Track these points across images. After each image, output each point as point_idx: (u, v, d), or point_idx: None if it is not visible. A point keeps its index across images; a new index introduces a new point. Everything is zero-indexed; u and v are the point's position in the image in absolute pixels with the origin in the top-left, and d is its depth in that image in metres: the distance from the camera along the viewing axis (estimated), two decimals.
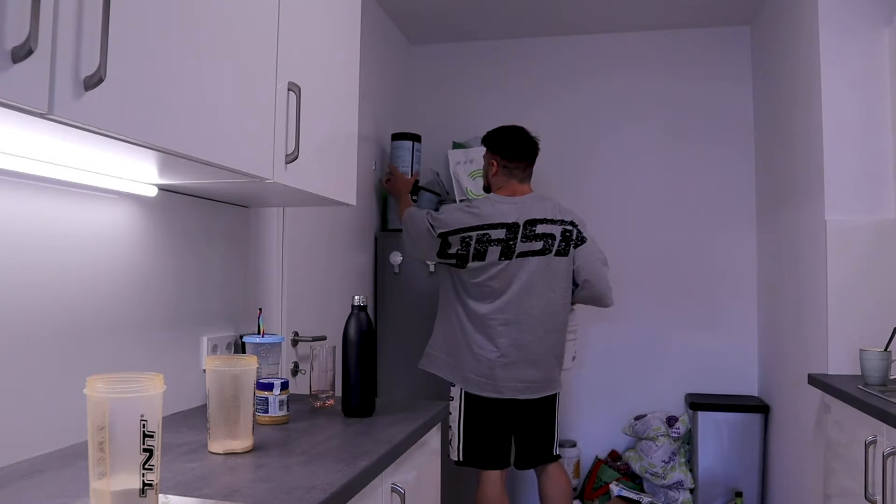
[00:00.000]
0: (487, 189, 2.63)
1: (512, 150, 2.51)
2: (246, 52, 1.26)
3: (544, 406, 2.50)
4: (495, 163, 2.53)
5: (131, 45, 0.93)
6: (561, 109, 3.54)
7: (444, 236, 2.37)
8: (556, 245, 2.43)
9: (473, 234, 2.36)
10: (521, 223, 2.39)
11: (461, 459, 2.42)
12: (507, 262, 2.38)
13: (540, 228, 2.41)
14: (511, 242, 2.38)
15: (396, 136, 3.16)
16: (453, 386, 2.46)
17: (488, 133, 2.59)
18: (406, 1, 3.17)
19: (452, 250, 2.38)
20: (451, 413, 2.45)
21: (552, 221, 2.44)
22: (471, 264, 2.38)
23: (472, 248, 2.37)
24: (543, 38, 3.60)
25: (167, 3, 1.02)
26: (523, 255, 2.39)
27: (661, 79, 3.46)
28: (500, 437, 2.44)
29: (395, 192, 2.88)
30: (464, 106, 3.66)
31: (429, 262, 2.89)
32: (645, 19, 3.36)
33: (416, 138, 3.15)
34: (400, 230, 3.07)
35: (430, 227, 2.41)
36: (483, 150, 2.74)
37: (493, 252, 2.37)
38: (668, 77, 3.45)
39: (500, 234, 2.37)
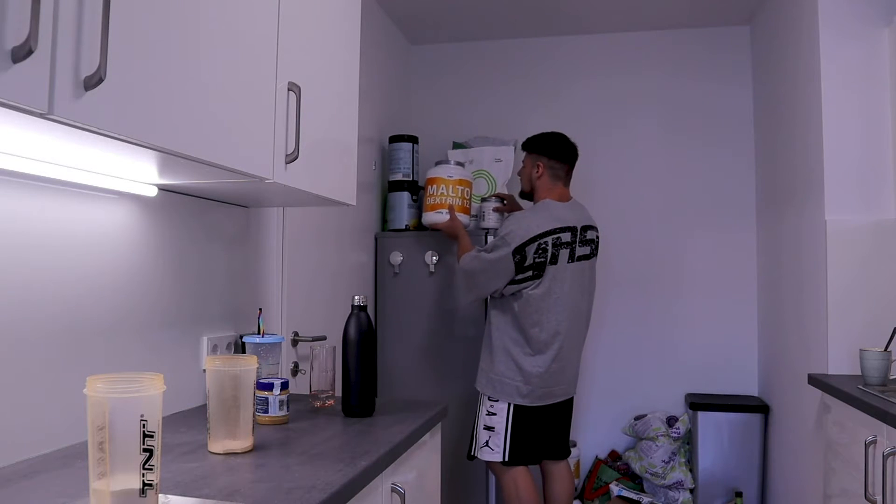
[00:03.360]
0: (526, 195, 2.62)
1: (556, 151, 2.55)
2: (246, 52, 1.26)
3: (569, 403, 2.60)
4: (541, 165, 2.54)
5: (131, 46, 0.93)
6: (561, 110, 3.54)
7: (520, 249, 2.36)
8: (595, 250, 2.57)
9: (549, 238, 2.39)
10: (579, 227, 2.47)
11: (507, 460, 2.42)
12: (572, 264, 2.44)
13: (588, 234, 2.52)
14: (573, 246, 2.44)
15: (394, 139, 3.16)
16: (497, 401, 2.44)
17: (530, 138, 2.61)
18: (406, 1, 3.17)
19: (529, 261, 2.37)
20: (490, 416, 2.44)
21: (592, 227, 2.55)
22: (549, 268, 2.39)
23: (549, 253, 2.39)
24: (543, 38, 3.60)
25: (167, 3, 1.02)
26: (580, 259, 2.47)
27: (661, 79, 3.46)
28: (543, 435, 2.51)
29: (454, 230, 2.75)
30: (464, 106, 3.66)
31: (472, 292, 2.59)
32: (645, 19, 3.36)
33: (413, 140, 3.16)
34: (401, 230, 3.08)
35: (497, 249, 2.38)
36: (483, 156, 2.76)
37: (564, 255, 2.42)
38: (669, 77, 3.45)
39: (567, 236, 2.43)
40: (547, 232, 2.39)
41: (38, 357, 1.22)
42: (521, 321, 2.41)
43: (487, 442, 2.45)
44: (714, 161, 3.39)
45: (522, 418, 2.42)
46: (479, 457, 2.49)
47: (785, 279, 2.83)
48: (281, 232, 2.14)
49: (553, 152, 2.55)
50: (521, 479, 2.46)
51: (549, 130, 2.65)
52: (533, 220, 2.41)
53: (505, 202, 2.94)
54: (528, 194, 2.62)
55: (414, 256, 3.03)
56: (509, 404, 2.41)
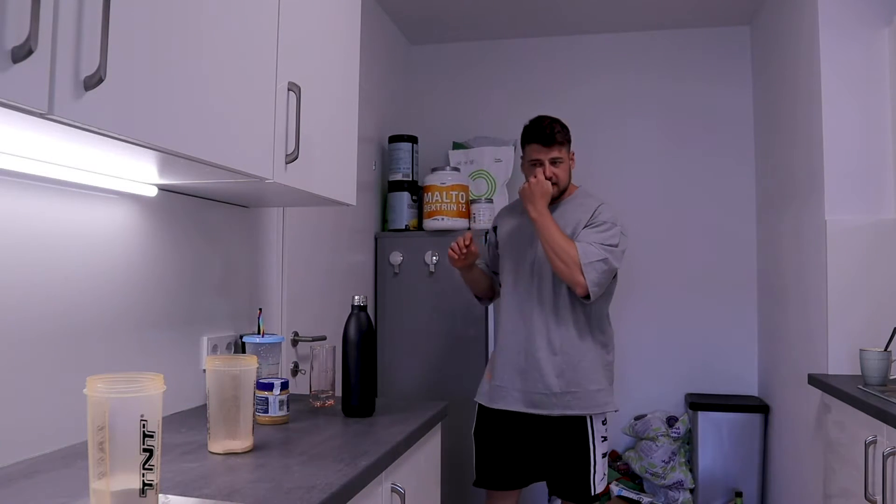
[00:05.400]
0: (566, 189, 2.21)
1: None
2: (246, 52, 1.26)
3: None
4: (574, 157, 2.26)
5: (131, 45, 0.93)
6: (561, 109, 3.51)
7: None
8: None
9: None
10: None
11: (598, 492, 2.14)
12: None
13: None
14: None
15: (394, 139, 3.16)
16: (604, 423, 2.15)
17: (564, 126, 2.22)
18: (406, 1, 3.17)
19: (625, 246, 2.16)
20: (604, 441, 2.13)
21: None
22: None
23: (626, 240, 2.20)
24: (543, 38, 3.60)
25: (167, 3, 1.02)
26: None
27: (661, 79, 3.46)
28: None
29: (537, 198, 2.09)
30: (464, 106, 3.65)
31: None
32: (645, 19, 3.36)
33: (413, 140, 3.16)
34: (401, 230, 3.08)
35: (622, 241, 2.10)
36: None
37: None
38: (668, 77, 3.45)
39: None
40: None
41: (38, 357, 1.21)
42: (600, 316, 2.16)
43: (594, 474, 2.11)
44: (714, 160, 3.39)
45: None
46: (598, 491, 2.13)
47: (785, 279, 2.83)
48: (281, 232, 2.14)
49: None
50: None
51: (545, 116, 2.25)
52: (614, 210, 2.18)
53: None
54: (558, 196, 2.19)
55: (414, 256, 3.03)
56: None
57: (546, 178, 2.13)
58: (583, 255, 2.02)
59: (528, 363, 2.12)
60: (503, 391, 2.17)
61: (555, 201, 2.19)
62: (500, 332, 2.24)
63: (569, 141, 2.22)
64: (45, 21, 0.77)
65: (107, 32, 0.85)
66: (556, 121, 2.22)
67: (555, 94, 3.57)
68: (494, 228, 2.40)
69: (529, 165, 2.19)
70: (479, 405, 2.27)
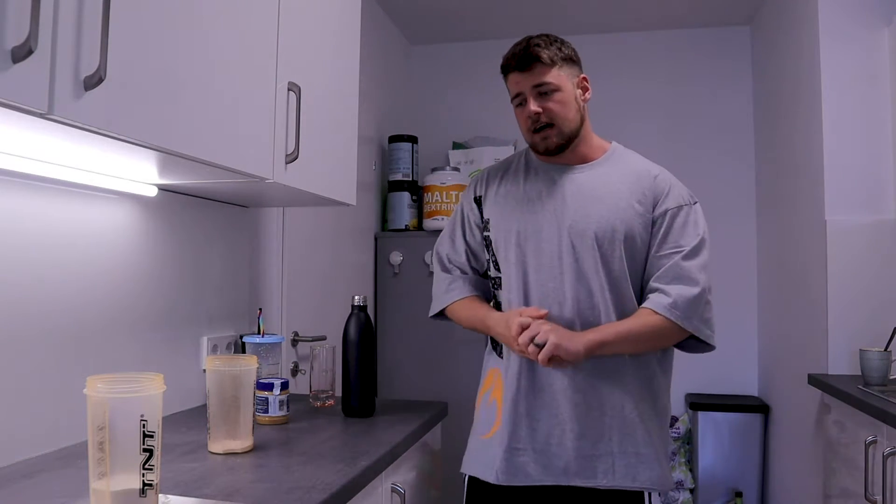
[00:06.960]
0: (575, 134, 1.50)
1: None
2: (246, 52, 1.26)
3: None
4: (587, 80, 1.53)
5: (131, 45, 0.93)
6: None
7: None
8: None
9: None
10: None
11: None
12: None
13: None
14: None
15: (394, 139, 3.17)
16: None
17: (555, 40, 1.47)
18: (406, 1, 3.17)
19: None
20: None
21: None
22: None
23: None
24: None
25: (167, 3, 1.02)
26: None
27: (660, 78, 3.46)
28: None
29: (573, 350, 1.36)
30: (464, 106, 3.65)
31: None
32: (645, 19, 3.36)
33: (413, 140, 3.17)
34: (401, 230, 3.08)
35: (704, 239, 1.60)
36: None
37: None
38: (668, 77, 3.45)
39: None
40: None
41: (39, 357, 1.21)
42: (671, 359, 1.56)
43: None
44: (714, 161, 3.39)
45: None
46: None
47: (785, 279, 2.83)
48: (281, 232, 2.14)
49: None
50: None
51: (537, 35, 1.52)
52: None
53: None
54: (562, 145, 1.48)
55: (414, 256, 3.03)
56: None
57: (532, 116, 1.45)
58: (669, 310, 1.44)
59: (576, 407, 1.40)
60: (521, 455, 1.42)
61: (570, 158, 1.51)
62: (510, 363, 1.48)
63: (567, 60, 1.47)
64: (45, 21, 0.77)
65: (107, 32, 0.85)
66: (543, 35, 1.48)
67: None
68: (478, 199, 1.59)
69: (515, 106, 1.51)
70: (475, 481, 1.50)
